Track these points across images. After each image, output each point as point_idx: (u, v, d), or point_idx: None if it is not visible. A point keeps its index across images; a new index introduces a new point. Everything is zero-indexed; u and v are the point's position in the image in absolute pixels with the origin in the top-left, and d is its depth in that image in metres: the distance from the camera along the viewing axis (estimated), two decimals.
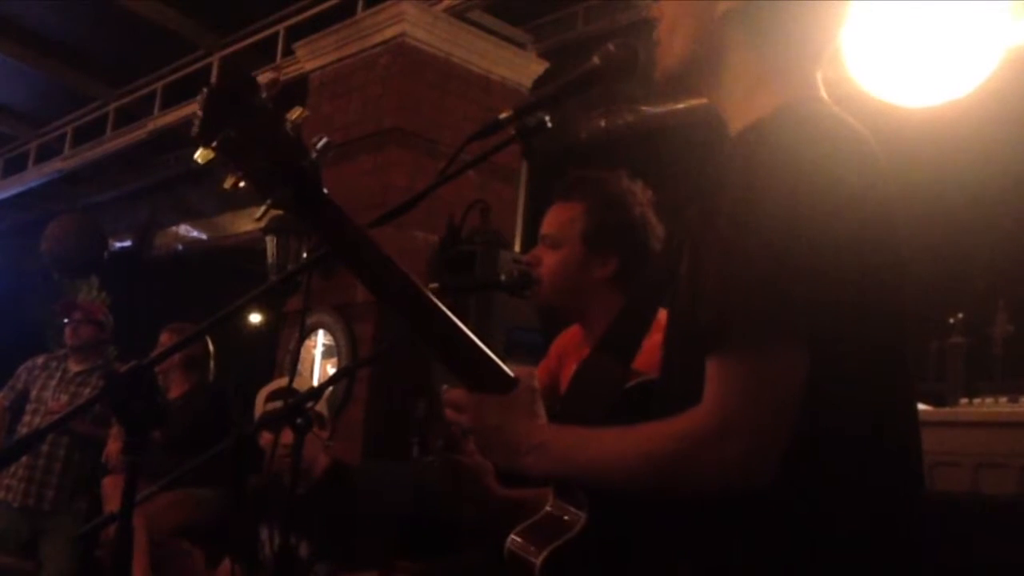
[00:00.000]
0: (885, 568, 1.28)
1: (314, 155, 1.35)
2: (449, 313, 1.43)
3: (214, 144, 1.29)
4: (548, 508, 1.66)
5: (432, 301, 1.43)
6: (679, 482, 1.27)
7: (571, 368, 2.32)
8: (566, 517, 1.61)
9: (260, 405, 3.64)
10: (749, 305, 1.22)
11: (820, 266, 1.21)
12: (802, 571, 1.26)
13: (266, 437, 3.47)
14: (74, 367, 5.42)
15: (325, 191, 1.38)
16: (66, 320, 5.48)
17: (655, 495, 1.33)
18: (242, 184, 1.32)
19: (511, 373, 1.49)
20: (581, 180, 2.46)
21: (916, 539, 1.32)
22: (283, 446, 3.35)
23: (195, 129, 1.29)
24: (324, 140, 1.38)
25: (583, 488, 1.57)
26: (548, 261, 2.39)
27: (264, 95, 1.32)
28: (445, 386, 2.18)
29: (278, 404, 3.50)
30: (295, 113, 1.35)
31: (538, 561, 1.56)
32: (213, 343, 5.34)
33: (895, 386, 1.34)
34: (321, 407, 3.63)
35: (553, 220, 2.44)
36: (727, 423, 1.22)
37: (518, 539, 1.65)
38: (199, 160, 1.30)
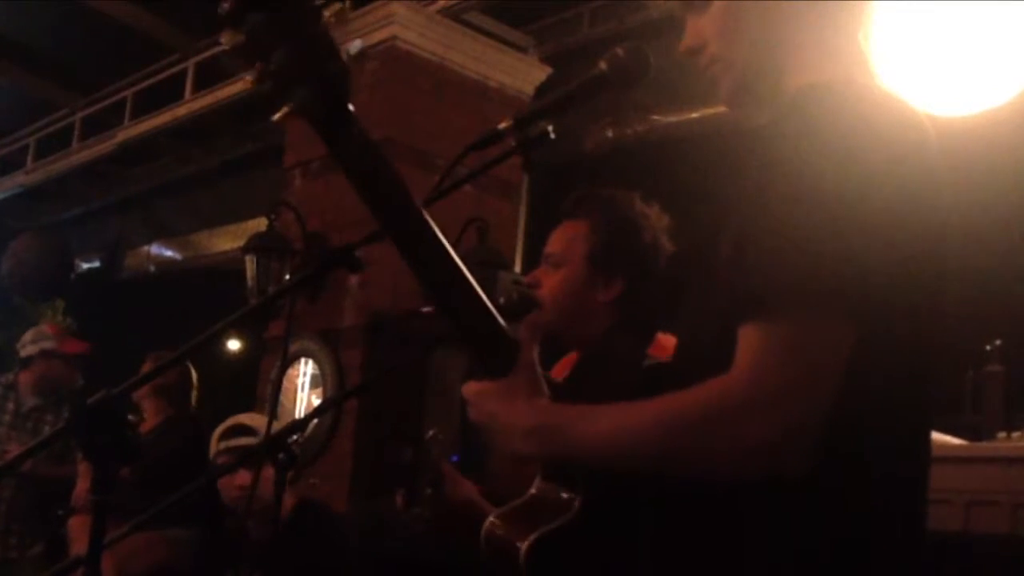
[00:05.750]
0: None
1: (345, 59, 1.33)
2: (461, 266, 1.44)
3: (244, 28, 1.26)
4: (533, 491, 1.65)
5: (447, 249, 1.44)
6: (700, 457, 1.24)
7: None
8: (556, 500, 1.58)
9: (214, 445, 3.61)
10: (797, 272, 1.21)
11: (874, 248, 1.23)
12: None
13: (226, 478, 3.44)
14: (29, 400, 5.45)
15: (350, 106, 1.36)
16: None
17: (672, 474, 1.30)
18: (258, 81, 1.30)
19: (514, 338, 1.47)
20: (588, 197, 2.45)
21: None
22: (239, 487, 3.37)
23: (225, 6, 1.26)
24: (358, 43, 1.37)
25: (585, 467, 1.55)
26: (549, 282, 2.38)
27: None
28: (431, 431, 2.18)
29: (237, 441, 3.51)
30: (333, 8, 1.33)
31: (523, 545, 1.54)
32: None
33: (924, 396, 1.39)
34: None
35: (557, 239, 2.43)
36: (758, 392, 1.19)
37: (498, 522, 1.63)
38: (224, 42, 1.29)
